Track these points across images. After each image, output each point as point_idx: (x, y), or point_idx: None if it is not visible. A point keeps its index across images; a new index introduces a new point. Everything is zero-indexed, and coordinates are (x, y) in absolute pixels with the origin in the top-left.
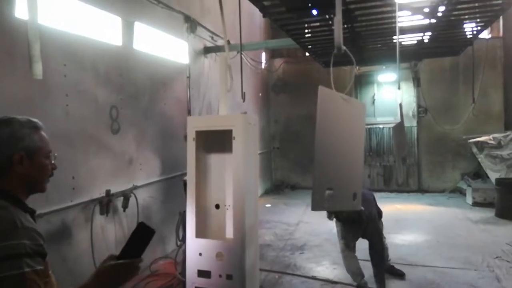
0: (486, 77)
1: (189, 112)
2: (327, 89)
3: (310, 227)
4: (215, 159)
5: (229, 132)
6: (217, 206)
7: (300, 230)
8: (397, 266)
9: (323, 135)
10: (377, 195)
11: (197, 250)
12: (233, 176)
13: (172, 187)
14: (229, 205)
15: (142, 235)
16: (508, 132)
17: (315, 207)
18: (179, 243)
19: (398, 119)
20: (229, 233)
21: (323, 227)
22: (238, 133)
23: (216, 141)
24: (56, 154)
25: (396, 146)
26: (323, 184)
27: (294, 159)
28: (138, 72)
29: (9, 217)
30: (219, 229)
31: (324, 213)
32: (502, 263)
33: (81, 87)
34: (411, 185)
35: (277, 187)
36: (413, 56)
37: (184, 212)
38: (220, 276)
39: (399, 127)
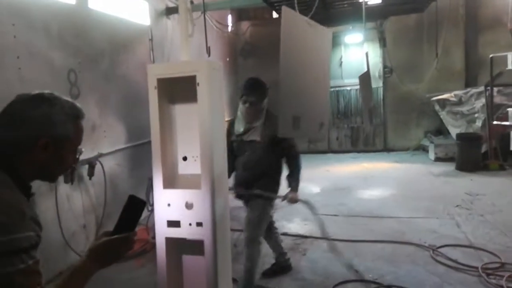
0: (448, 35)
1: None
2: (292, 11)
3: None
4: (179, 110)
5: (193, 79)
6: (185, 158)
7: None
8: (363, 219)
9: (287, 60)
10: (345, 156)
11: (165, 201)
12: (199, 124)
13: (140, 154)
14: (196, 156)
15: (133, 208)
16: (469, 89)
17: (282, 133)
18: (150, 208)
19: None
20: (198, 183)
21: None
22: (202, 79)
23: (180, 90)
24: (83, 149)
25: (362, 96)
26: (288, 111)
27: None
28: (96, 33)
29: (18, 206)
30: (188, 180)
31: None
32: (462, 211)
33: (33, 48)
34: (377, 144)
35: None
36: (379, 14)
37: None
38: (190, 224)
39: (365, 77)
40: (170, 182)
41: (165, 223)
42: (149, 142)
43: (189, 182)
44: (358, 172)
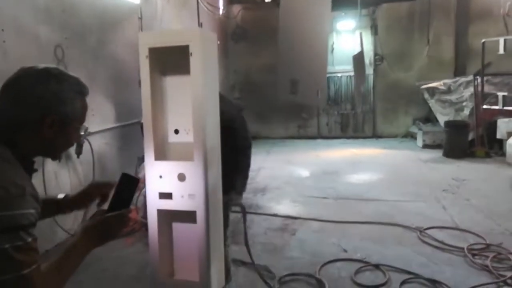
0: (439, 24)
1: None
2: None
3: (271, 172)
4: (172, 82)
5: (186, 50)
6: (176, 131)
7: (261, 175)
8: (352, 202)
9: (285, 24)
10: (334, 141)
11: (157, 173)
12: (191, 96)
13: (129, 133)
14: (189, 129)
15: (126, 186)
16: (458, 78)
17: (281, 96)
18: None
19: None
20: (191, 154)
21: (283, 171)
22: (195, 49)
23: (172, 62)
24: (87, 127)
25: (355, 76)
26: (287, 74)
27: (254, 109)
28: (83, 9)
29: (18, 181)
30: (180, 153)
31: (283, 158)
32: (448, 195)
33: (18, 21)
34: (366, 131)
35: None
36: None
37: (143, 156)
38: (182, 196)
39: (359, 57)
40: (162, 154)
41: (157, 195)
42: (139, 123)
43: (181, 154)
44: (347, 157)
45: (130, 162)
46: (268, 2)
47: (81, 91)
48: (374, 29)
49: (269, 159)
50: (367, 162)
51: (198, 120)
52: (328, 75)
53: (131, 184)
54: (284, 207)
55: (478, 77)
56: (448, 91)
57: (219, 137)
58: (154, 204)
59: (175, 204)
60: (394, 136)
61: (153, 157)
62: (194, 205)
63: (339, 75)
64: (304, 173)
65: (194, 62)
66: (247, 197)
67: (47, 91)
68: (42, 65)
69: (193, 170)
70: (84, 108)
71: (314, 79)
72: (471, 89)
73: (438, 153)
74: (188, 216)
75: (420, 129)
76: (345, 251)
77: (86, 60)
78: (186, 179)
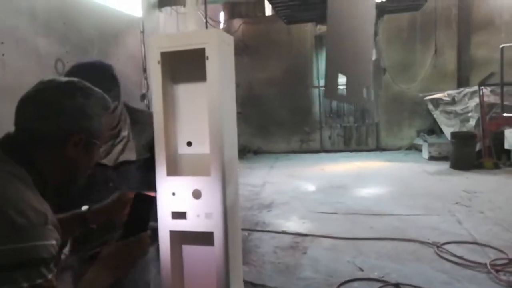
0: (441, 36)
1: (144, 71)
2: None
3: (276, 187)
4: (184, 90)
5: (201, 54)
6: (189, 144)
7: (266, 190)
8: (362, 217)
9: (335, 21)
10: (337, 155)
11: (169, 190)
12: (207, 103)
13: None
14: (204, 141)
15: (141, 206)
16: (461, 89)
17: (328, 95)
18: None
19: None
20: (206, 170)
21: (288, 186)
22: (212, 52)
23: (185, 67)
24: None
25: (373, 84)
26: (335, 72)
27: (257, 123)
28: (84, 22)
29: (39, 208)
30: (194, 167)
31: (288, 173)
32: (461, 208)
33: (18, 34)
34: (370, 144)
35: (240, 152)
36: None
37: None
38: (197, 215)
39: (377, 63)
40: (174, 168)
41: (169, 215)
42: None
43: (196, 169)
44: (352, 171)
45: None
46: (269, 16)
47: (106, 106)
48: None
49: (273, 174)
50: (373, 175)
51: (215, 130)
52: None
53: (147, 204)
54: (293, 224)
55: (483, 87)
56: (453, 102)
57: (236, 149)
58: (166, 224)
59: (190, 225)
60: (398, 148)
61: (165, 173)
62: (211, 225)
63: (341, 87)
64: (310, 187)
65: (211, 66)
66: (253, 214)
67: (73, 106)
68: (64, 78)
69: (209, 186)
70: (106, 124)
71: (361, 74)
72: (476, 100)
73: (445, 165)
74: (204, 238)
75: (425, 141)
76: (361, 270)
77: None
78: (202, 196)
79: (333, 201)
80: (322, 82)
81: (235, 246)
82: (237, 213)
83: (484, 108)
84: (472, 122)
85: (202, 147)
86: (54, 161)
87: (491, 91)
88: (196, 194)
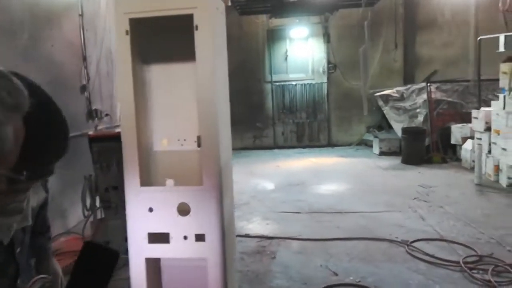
0: (388, 33)
1: (84, 59)
2: None
3: (236, 186)
4: (159, 74)
5: (187, 21)
6: (167, 142)
7: None
8: (326, 216)
9: None
10: (291, 151)
11: (144, 205)
12: (198, 90)
13: (71, 149)
14: (184, 140)
15: (95, 263)
16: (409, 85)
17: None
18: (86, 213)
19: (310, 76)
20: (196, 176)
21: (246, 185)
22: (203, 20)
23: (162, 43)
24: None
25: (362, 73)
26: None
27: None
28: (12, 1)
29: None
30: (180, 174)
31: (244, 170)
32: (421, 203)
33: None
34: (322, 140)
35: None
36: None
37: (90, 176)
38: (185, 238)
39: (365, 51)
40: (152, 176)
41: (145, 238)
42: (81, 136)
43: (182, 176)
44: (307, 167)
45: (74, 184)
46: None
47: (14, 104)
48: (327, 37)
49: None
50: (328, 171)
51: (208, 124)
52: (282, 83)
53: (104, 261)
54: (256, 226)
55: (430, 84)
56: (401, 98)
57: (231, 150)
58: (139, 250)
59: (173, 250)
60: (348, 144)
61: (137, 182)
62: (203, 250)
63: (294, 83)
64: (269, 185)
65: (202, 38)
66: None
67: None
68: None
69: (202, 198)
70: (17, 135)
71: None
72: (423, 96)
73: (396, 160)
74: (193, 267)
75: (376, 136)
76: (336, 274)
77: (15, 61)
78: (192, 212)
79: (294, 199)
80: (274, 77)
81: (232, 277)
82: (234, 233)
83: (432, 104)
84: (421, 118)
85: (190, 146)
86: None
87: (437, 88)
88: (183, 210)
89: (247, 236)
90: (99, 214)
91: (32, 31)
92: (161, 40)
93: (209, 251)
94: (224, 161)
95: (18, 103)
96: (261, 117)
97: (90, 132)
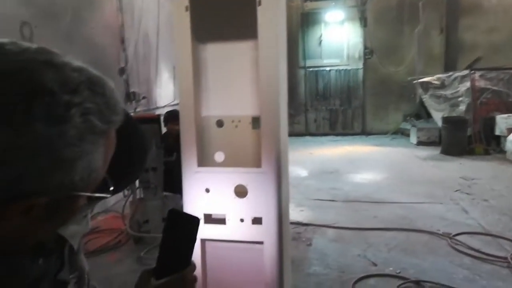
0: (429, 18)
1: (122, 42)
2: None
3: None
4: (215, 52)
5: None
6: (220, 123)
7: None
8: (363, 205)
9: None
10: (323, 139)
11: (201, 186)
12: (260, 68)
13: None
14: (239, 121)
15: (180, 230)
16: (451, 73)
17: None
18: (126, 193)
19: (345, 62)
20: (255, 158)
21: None
22: None
23: (218, 21)
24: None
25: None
26: None
27: None
28: None
29: None
30: (238, 155)
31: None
32: (463, 196)
33: None
34: (356, 128)
35: None
36: None
37: None
38: (241, 220)
39: (420, 32)
40: (209, 156)
41: (202, 219)
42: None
43: (241, 157)
44: (341, 155)
45: None
46: None
47: (109, 118)
48: (363, 21)
49: None
50: (364, 160)
51: (270, 105)
52: (315, 69)
53: (187, 227)
54: (291, 212)
55: (474, 71)
56: (442, 86)
57: (287, 133)
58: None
59: (230, 232)
60: (384, 133)
61: (195, 162)
62: (260, 234)
63: (328, 68)
64: (302, 172)
65: (264, 15)
66: None
67: (22, 134)
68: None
69: (260, 180)
70: (107, 153)
71: None
72: (466, 84)
73: (434, 150)
74: (249, 250)
75: (413, 125)
76: (375, 264)
77: (59, 43)
78: (249, 194)
79: (328, 187)
80: (308, 62)
81: (287, 262)
82: (288, 218)
83: (475, 92)
84: (462, 107)
85: (247, 128)
86: None
87: (481, 76)
88: (240, 192)
89: None
90: (138, 194)
91: (74, 14)
92: (218, 18)
93: (266, 234)
94: (283, 143)
95: (115, 119)
96: (293, 103)
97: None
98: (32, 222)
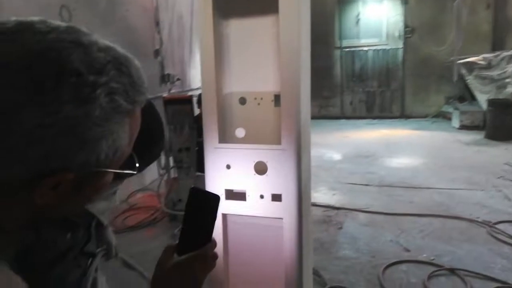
0: None
1: (157, 24)
2: None
3: None
4: (242, 28)
5: None
6: (243, 100)
7: None
8: (398, 190)
9: None
10: (359, 122)
11: (222, 162)
12: (281, 44)
13: None
14: (261, 98)
15: (201, 207)
16: (498, 52)
17: None
18: (161, 172)
19: (384, 41)
20: (275, 135)
21: (312, 155)
22: None
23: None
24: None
25: (456, 28)
26: None
27: None
28: None
29: None
30: (258, 132)
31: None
32: (507, 183)
33: None
34: (394, 111)
35: None
36: None
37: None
38: (261, 197)
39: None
40: (230, 133)
41: (222, 194)
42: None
43: (261, 134)
44: (378, 139)
45: None
46: None
47: (134, 97)
48: None
49: None
50: (401, 144)
51: (290, 82)
52: (352, 49)
53: (208, 204)
54: (322, 195)
55: None
56: (489, 66)
57: (309, 110)
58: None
59: (250, 208)
60: (424, 116)
61: (216, 138)
62: (279, 210)
63: (365, 49)
64: (336, 156)
65: None
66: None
67: (51, 114)
68: (11, 22)
69: (279, 157)
70: (134, 130)
71: None
72: None
73: (478, 135)
74: (269, 226)
75: (456, 108)
76: (408, 250)
77: (95, 25)
78: (269, 171)
79: (363, 171)
80: (344, 42)
81: (308, 239)
82: (309, 196)
83: None
84: (510, 89)
85: (269, 106)
86: (12, 208)
87: None
88: (260, 169)
89: (313, 204)
90: (173, 173)
91: None
92: None
93: (285, 211)
94: (303, 120)
95: (140, 98)
96: (328, 85)
97: (165, 95)
98: (61, 197)
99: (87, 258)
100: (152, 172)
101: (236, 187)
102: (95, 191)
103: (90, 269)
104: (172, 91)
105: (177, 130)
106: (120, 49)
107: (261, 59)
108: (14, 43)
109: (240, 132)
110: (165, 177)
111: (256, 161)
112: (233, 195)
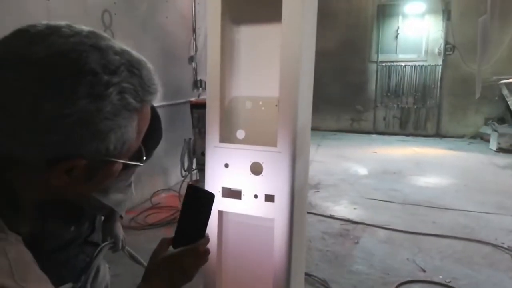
0: None
1: (194, 31)
2: None
3: (324, 167)
4: (248, 34)
5: None
6: (247, 104)
7: (313, 169)
8: (422, 209)
9: None
10: (391, 138)
11: (221, 161)
12: (281, 51)
13: (176, 114)
14: (271, 102)
15: (197, 204)
16: None
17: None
18: (184, 173)
19: (423, 57)
20: (272, 138)
21: (337, 167)
22: None
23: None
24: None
25: (480, 44)
26: None
27: None
28: None
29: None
30: (257, 134)
31: (336, 153)
32: None
33: None
34: (429, 129)
35: None
36: None
37: (190, 139)
38: (255, 196)
39: (485, 22)
40: (230, 134)
41: (219, 191)
42: (185, 103)
43: (259, 136)
44: (408, 157)
45: (176, 146)
46: None
47: (143, 96)
48: (446, 14)
49: (320, 152)
50: (432, 163)
51: (289, 88)
52: (389, 63)
53: (203, 201)
54: (342, 209)
55: None
56: None
57: (310, 116)
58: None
59: (244, 207)
60: (460, 136)
61: (217, 138)
62: (272, 211)
63: (403, 64)
64: (362, 170)
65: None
66: None
67: (68, 106)
68: (42, 25)
69: (274, 159)
70: (142, 126)
71: None
72: None
73: None
74: (262, 226)
75: (495, 130)
76: (424, 270)
77: (135, 30)
78: (264, 172)
79: (387, 188)
80: (381, 57)
81: (300, 242)
82: (305, 199)
83: None
84: None
85: (269, 109)
86: (32, 186)
87: None
88: (256, 169)
89: (331, 217)
90: (195, 176)
91: (150, 3)
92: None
93: (277, 212)
94: (301, 124)
95: (149, 98)
96: (362, 99)
97: (192, 99)
98: (73, 181)
99: (92, 247)
100: (178, 174)
101: (233, 186)
102: (104, 179)
103: (96, 258)
104: (202, 96)
105: (201, 133)
106: (135, 53)
107: (268, 65)
108: (42, 44)
109: (240, 134)
110: (188, 179)
111: (253, 161)
112: (229, 193)
